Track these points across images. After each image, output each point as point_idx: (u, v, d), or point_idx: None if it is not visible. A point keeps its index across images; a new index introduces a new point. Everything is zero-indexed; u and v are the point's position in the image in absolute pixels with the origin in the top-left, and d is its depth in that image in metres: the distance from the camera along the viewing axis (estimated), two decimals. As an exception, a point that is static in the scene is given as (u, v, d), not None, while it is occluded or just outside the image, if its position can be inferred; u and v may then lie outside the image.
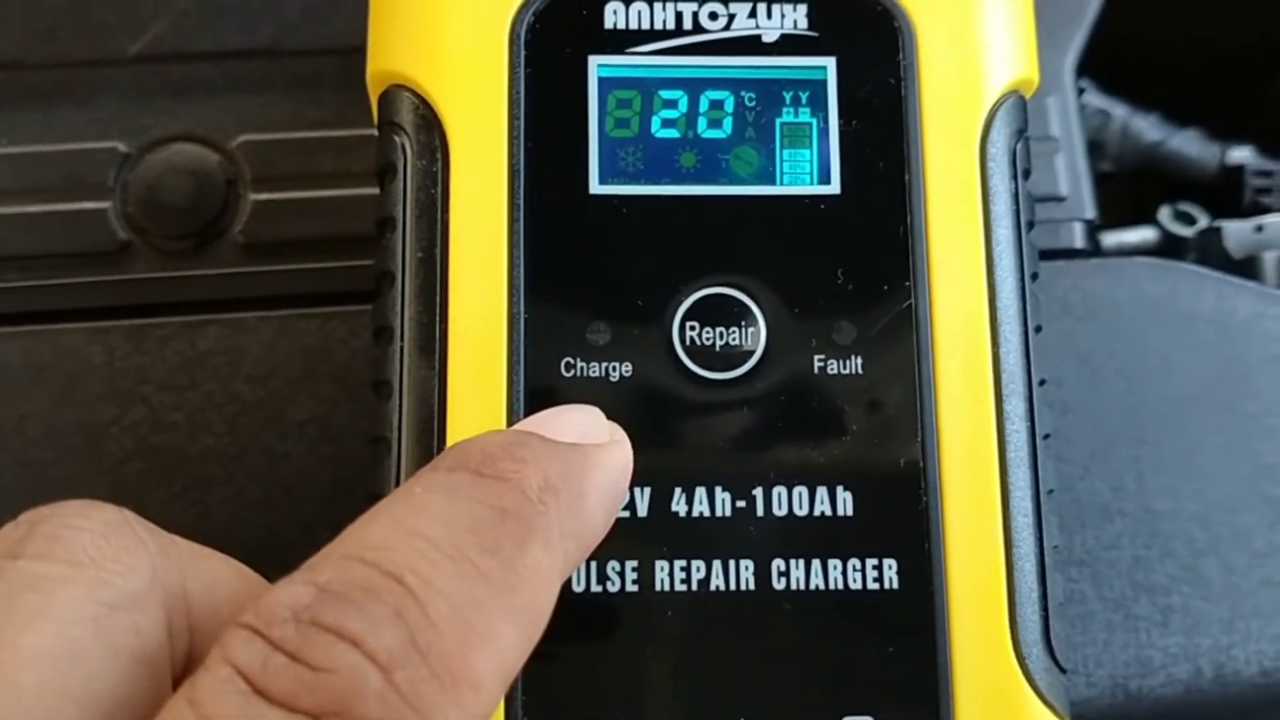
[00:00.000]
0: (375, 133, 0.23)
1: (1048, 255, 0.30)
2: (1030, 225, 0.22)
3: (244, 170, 0.29)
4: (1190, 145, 0.42)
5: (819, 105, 0.21)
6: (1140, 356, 0.29)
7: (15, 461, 0.27)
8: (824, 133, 0.21)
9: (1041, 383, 0.21)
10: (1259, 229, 0.36)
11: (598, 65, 0.21)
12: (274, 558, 0.26)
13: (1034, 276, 0.22)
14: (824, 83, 0.21)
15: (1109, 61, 0.40)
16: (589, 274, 0.21)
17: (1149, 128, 0.42)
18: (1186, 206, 0.38)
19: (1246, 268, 0.34)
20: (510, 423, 0.20)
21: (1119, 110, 0.42)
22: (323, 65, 0.30)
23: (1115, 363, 0.29)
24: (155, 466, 0.27)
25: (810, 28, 0.22)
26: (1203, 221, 0.37)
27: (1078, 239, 0.30)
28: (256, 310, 0.28)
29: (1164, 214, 0.38)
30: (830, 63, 0.22)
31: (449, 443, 0.20)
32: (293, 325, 0.28)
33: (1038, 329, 0.22)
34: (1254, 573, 0.28)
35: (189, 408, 0.27)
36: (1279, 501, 0.28)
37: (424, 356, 0.20)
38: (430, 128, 0.21)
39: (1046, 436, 0.21)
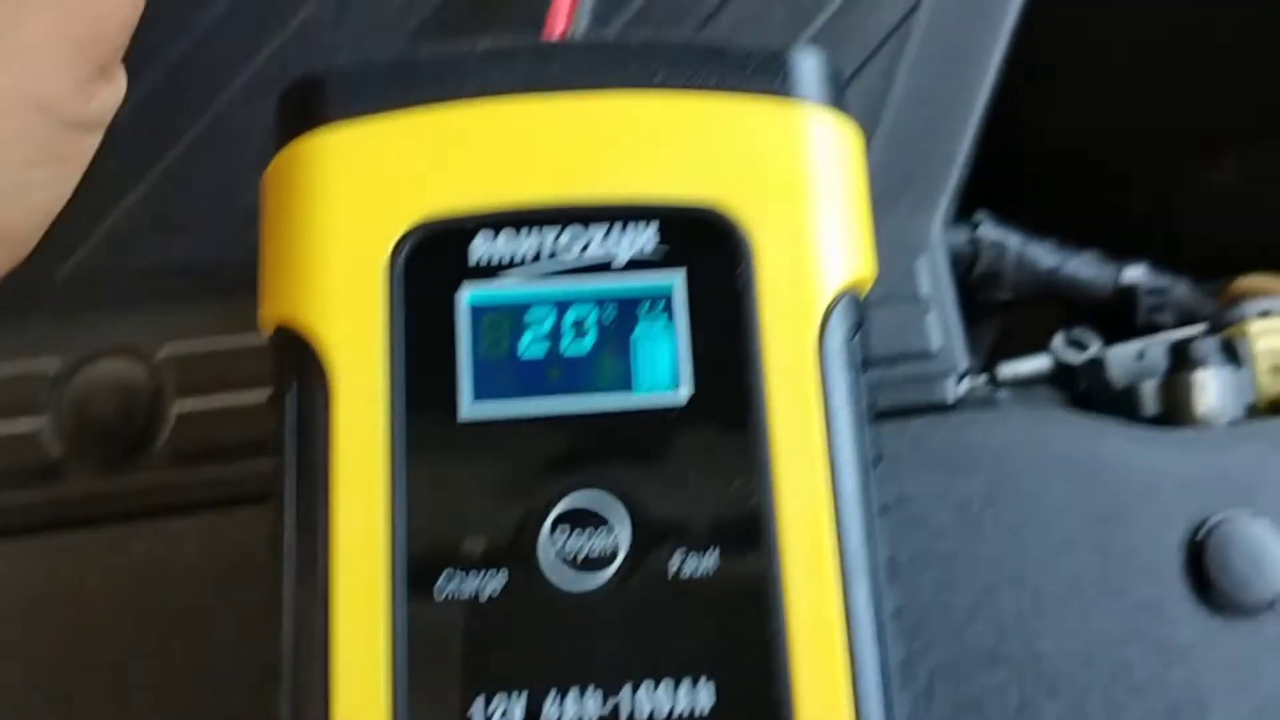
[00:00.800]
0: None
1: (922, 410, 0.32)
2: (870, 413, 0.24)
3: (168, 382, 0.31)
4: (1085, 269, 0.45)
5: (670, 317, 0.23)
6: (1017, 502, 0.31)
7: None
8: (674, 342, 0.23)
9: (890, 559, 0.23)
10: (1140, 355, 0.38)
11: (466, 295, 0.24)
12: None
13: (876, 461, 0.24)
14: (671, 297, 0.23)
15: (1002, 193, 0.42)
16: (461, 496, 0.22)
17: (1044, 255, 0.45)
18: (1079, 333, 0.40)
19: (1128, 396, 0.36)
20: (394, 642, 0.21)
21: (1013, 240, 0.44)
22: (238, 274, 0.32)
23: (994, 510, 0.31)
24: (85, 677, 0.28)
25: (659, 246, 0.24)
26: (1094, 347, 0.39)
27: (949, 394, 0.32)
28: (184, 516, 0.30)
29: (1057, 342, 0.40)
30: (678, 278, 0.24)
31: (335, 671, 0.21)
32: (219, 528, 0.30)
33: (883, 509, 0.23)
34: (1135, 707, 0.30)
35: (119, 616, 0.29)
36: (1156, 636, 0.30)
37: (307, 581, 0.22)
38: (313, 364, 0.23)
39: (896, 612, 0.23)
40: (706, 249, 0.24)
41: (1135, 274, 0.45)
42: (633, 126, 0.24)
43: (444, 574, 0.22)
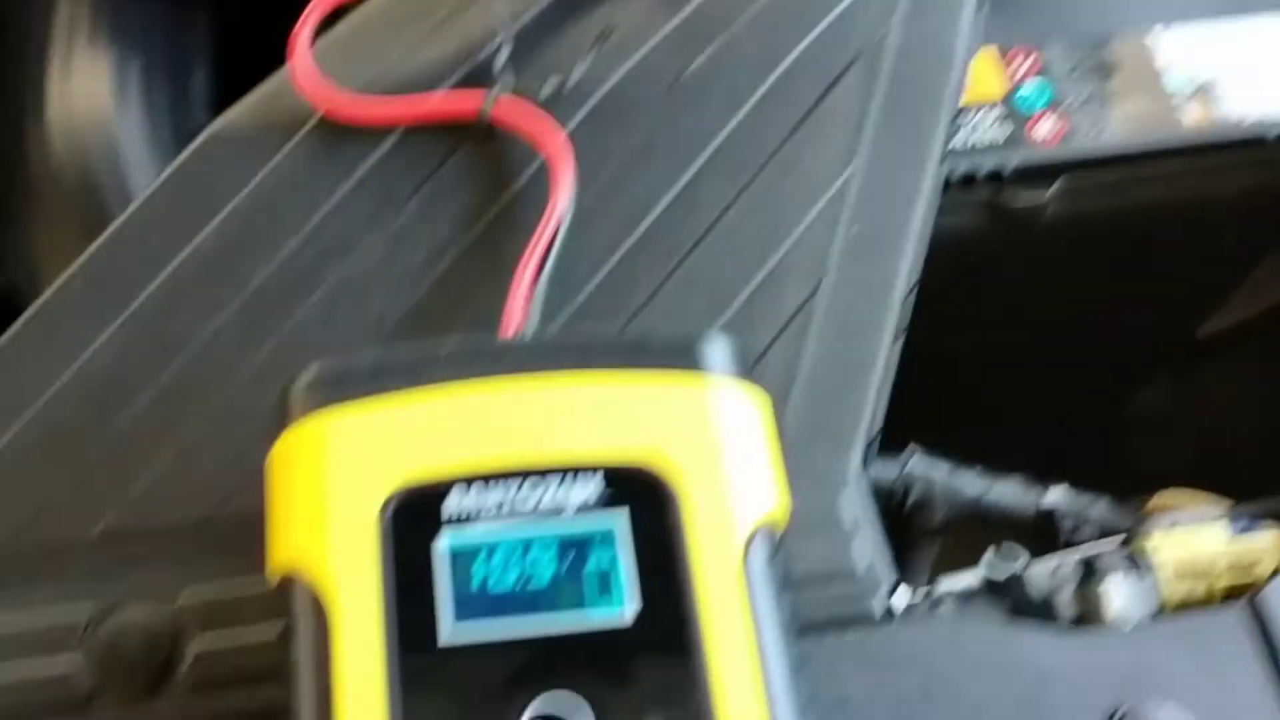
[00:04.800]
0: None
1: (853, 623, 0.36)
2: (793, 623, 0.28)
3: (188, 622, 0.35)
4: (1008, 495, 0.49)
5: (615, 552, 0.28)
6: (949, 697, 0.34)
7: None
8: (619, 573, 0.28)
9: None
10: (1054, 571, 0.42)
11: (445, 540, 0.28)
12: None
13: (804, 660, 0.28)
14: (614, 535, 0.28)
15: (934, 421, 0.47)
16: (447, 707, 0.26)
17: (969, 484, 0.49)
18: (1008, 548, 0.44)
19: (1047, 606, 0.40)
20: None
21: (940, 472, 0.49)
22: (251, 526, 0.36)
23: (929, 704, 0.34)
24: None
25: (603, 492, 0.29)
26: (1020, 562, 0.43)
27: (875, 610, 0.36)
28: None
29: (988, 558, 0.44)
30: (621, 518, 0.28)
31: None
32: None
33: (812, 698, 0.27)
34: None
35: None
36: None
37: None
38: (317, 605, 0.27)
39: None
40: (642, 495, 0.29)
41: (1055, 497, 0.49)
42: (576, 400, 0.29)
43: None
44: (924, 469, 0.48)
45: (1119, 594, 0.40)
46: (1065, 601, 0.41)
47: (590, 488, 0.29)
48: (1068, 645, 0.36)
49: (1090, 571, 0.41)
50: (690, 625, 0.27)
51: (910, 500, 0.47)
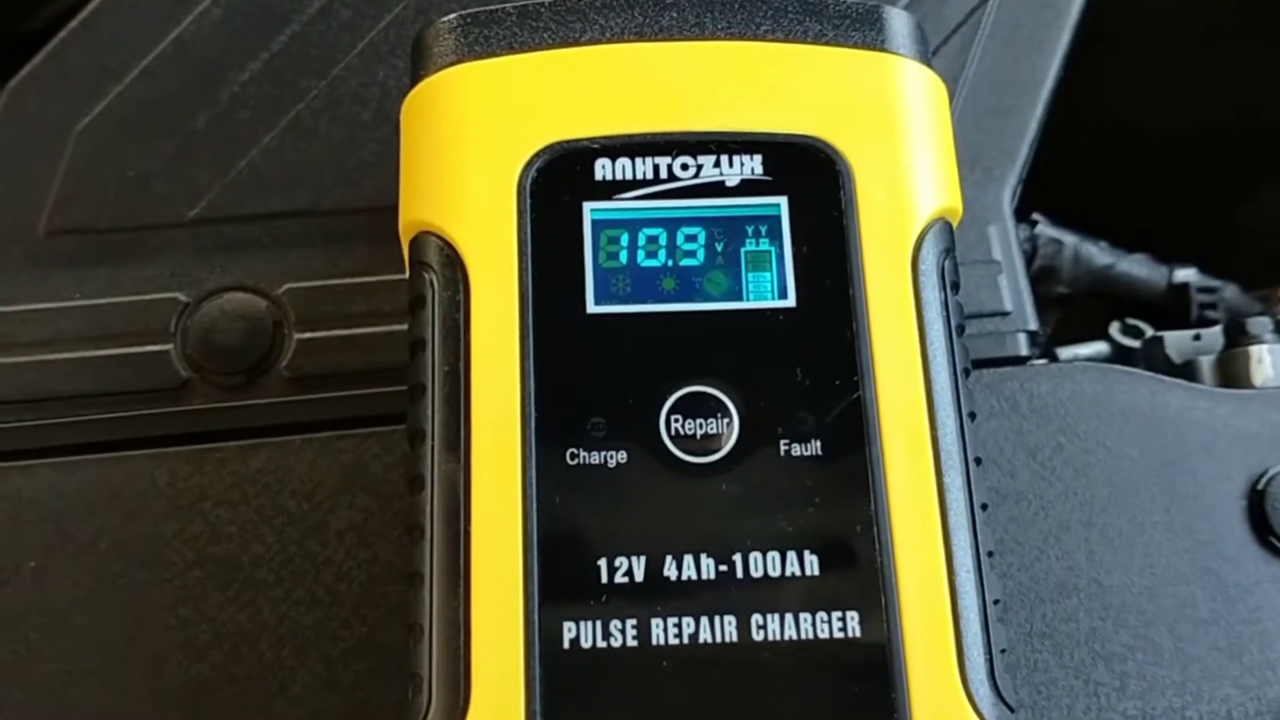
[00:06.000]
0: (401, 278, 0.27)
1: (997, 362, 0.34)
2: (960, 329, 0.26)
3: (289, 314, 0.33)
4: (1138, 268, 0.47)
5: (776, 235, 0.26)
6: (1085, 448, 0.32)
7: (89, 573, 0.30)
8: (780, 257, 0.25)
9: (978, 461, 0.25)
10: (1197, 337, 0.40)
11: (590, 209, 0.26)
12: (318, 650, 0.30)
13: (966, 372, 0.26)
14: (779, 217, 0.26)
15: (1060, 195, 0.44)
16: (588, 379, 0.24)
17: (1098, 253, 0.47)
18: (1135, 321, 0.42)
19: (1186, 371, 0.38)
20: (526, 506, 0.23)
21: (1070, 239, 0.46)
22: (355, 223, 0.34)
23: (1063, 455, 0.32)
24: (212, 573, 0.30)
25: (765, 173, 0.26)
26: (1149, 334, 0.41)
27: (1022, 348, 0.34)
28: (301, 434, 0.32)
29: (1114, 328, 0.42)
30: (783, 200, 0.26)
31: (474, 529, 0.23)
32: (333, 446, 0.32)
33: (971, 415, 0.25)
34: (1201, 639, 0.31)
35: (242, 521, 0.31)
36: (1218, 574, 0.31)
37: (451, 454, 0.24)
38: (453, 265, 0.25)
39: (984, 506, 0.25)
40: (810, 176, 0.26)
41: (1187, 274, 0.46)
42: (740, 69, 0.27)
43: (574, 446, 0.24)
44: (1052, 233, 0.46)
45: (1268, 360, 0.37)
46: (1206, 367, 0.38)
47: (752, 163, 0.26)
48: (1214, 404, 0.34)
49: (1237, 337, 0.38)
50: (853, 319, 0.25)
51: (1036, 264, 0.44)
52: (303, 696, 0.29)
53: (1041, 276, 0.45)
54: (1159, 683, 0.31)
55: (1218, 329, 0.40)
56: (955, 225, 0.27)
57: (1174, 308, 0.46)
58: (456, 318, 0.25)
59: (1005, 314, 0.34)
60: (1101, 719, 0.30)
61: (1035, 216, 0.45)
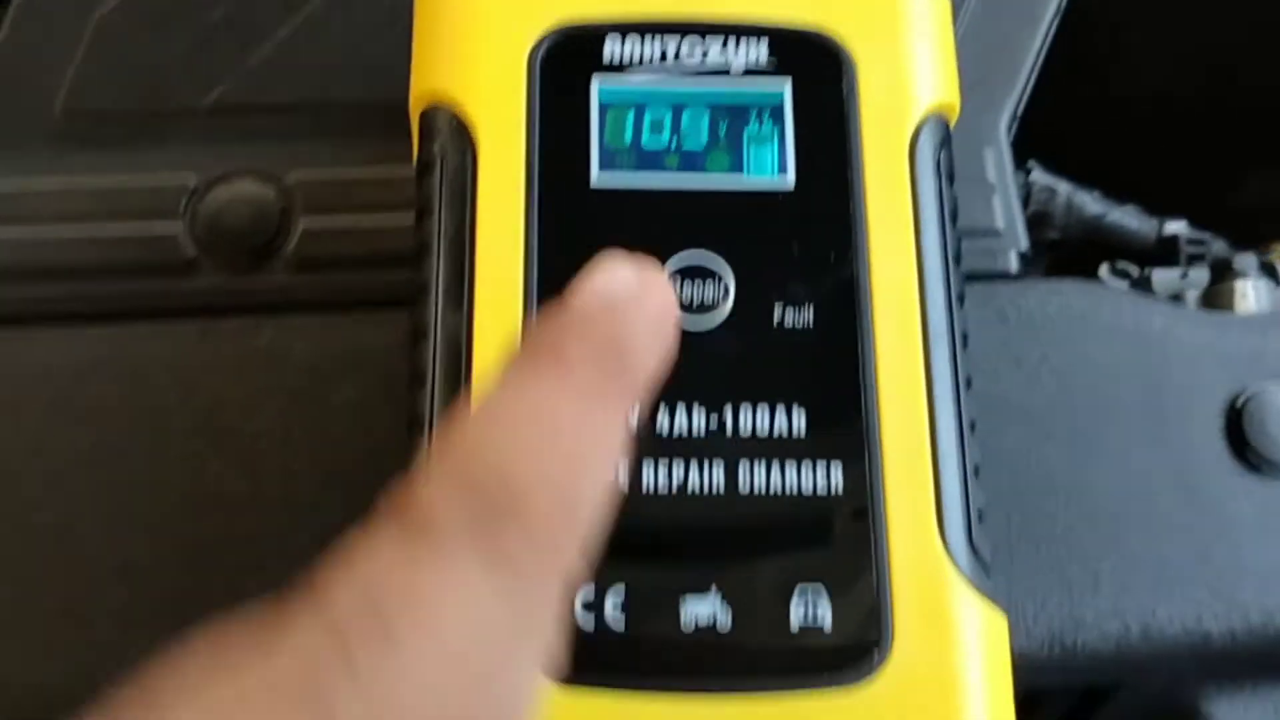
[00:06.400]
0: (407, 169, 0.28)
1: (987, 277, 0.34)
2: (954, 216, 0.27)
3: (296, 201, 0.34)
4: (1129, 219, 0.48)
5: (778, 119, 0.26)
6: (1069, 361, 0.33)
7: (93, 441, 0.31)
8: (782, 140, 0.26)
9: (965, 339, 0.26)
10: (1184, 275, 0.41)
11: (598, 86, 0.26)
12: (316, 517, 0.30)
13: (957, 257, 0.26)
14: (781, 103, 0.26)
15: (1054, 143, 0.45)
16: (590, 247, 0.25)
17: (1090, 202, 0.47)
18: (1124, 264, 0.43)
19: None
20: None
21: (1062, 187, 0.47)
22: (365, 116, 0.35)
23: (1048, 366, 0.33)
24: (213, 442, 0.31)
25: (771, 59, 0.27)
26: (1136, 274, 0.42)
27: (1012, 265, 0.35)
28: (304, 314, 0.32)
29: (1103, 269, 0.43)
30: (787, 86, 0.27)
31: (474, 378, 0.24)
32: (335, 326, 0.32)
33: (960, 298, 0.26)
34: (1174, 544, 0.32)
35: (243, 394, 0.32)
36: (1193, 485, 0.32)
37: (454, 308, 0.25)
38: (463, 134, 0.26)
39: (969, 382, 0.26)
40: (812, 63, 0.27)
41: (1177, 226, 0.47)
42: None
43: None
44: (1046, 180, 0.47)
45: (1251, 295, 0.38)
46: (1193, 301, 0.39)
47: (757, 50, 0.27)
48: (1196, 325, 0.35)
49: (1222, 272, 0.39)
50: (850, 200, 0.26)
51: (1029, 210, 0.45)
52: (301, 558, 0.30)
53: (1034, 223, 0.46)
54: (1131, 583, 0.32)
55: (1204, 269, 0.41)
56: (952, 124, 0.28)
57: (1163, 259, 0.47)
58: (464, 184, 0.25)
59: (997, 233, 0.35)
60: (1074, 614, 0.31)
61: (1030, 164, 0.45)
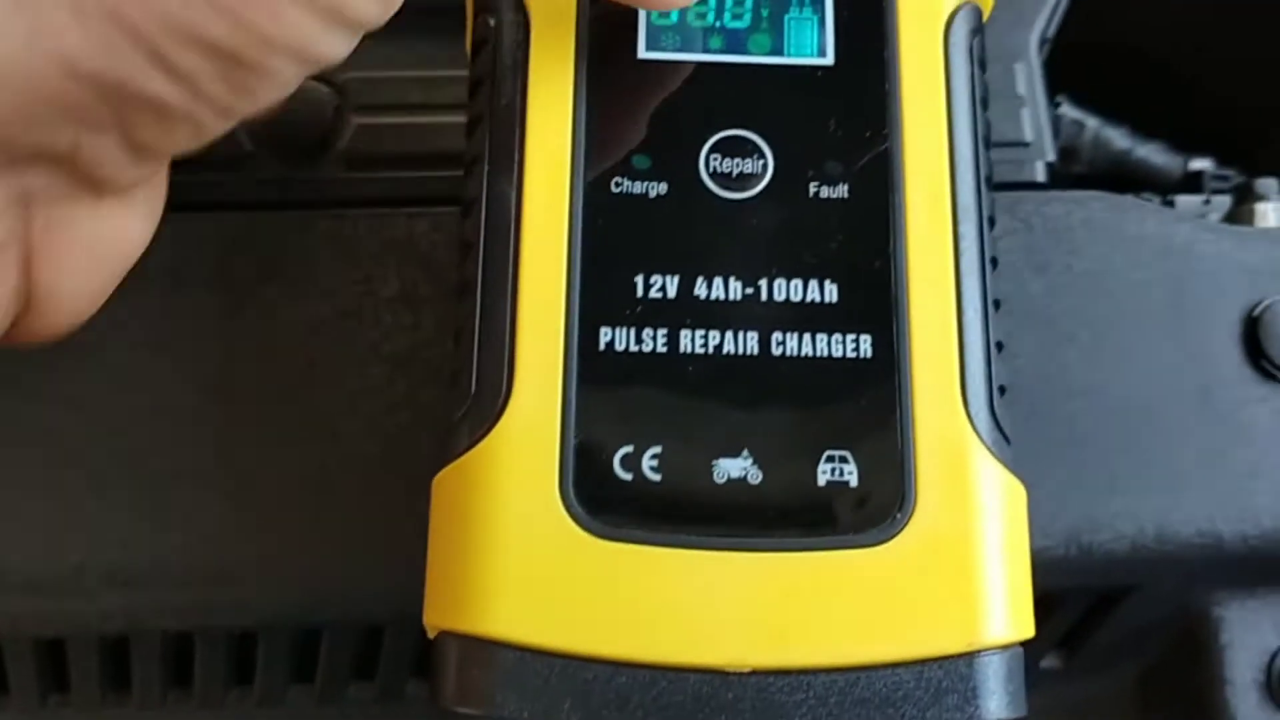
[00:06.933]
0: (458, 71, 0.29)
1: (1015, 186, 0.35)
2: (985, 101, 0.28)
3: (349, 99, 0.35)
4: (1156, 155, 0.48)
5: (818, 4, 0.27)
6: (1093, 267, 0.34)
7: (142, 316, 0.32)
8: (822, 21, 0.27)
9: (992, 221, 0.27)
10: (1207, 201, 0.42)
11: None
12: (365, 402, 0.32)
13: (987, 140, 0.27)
14: (818, -17, 0.27)
15: (1083, 78, 0.46)
16: (635, 118, 0.26)
17: (1118, 137, 0.48)
18: (1149, 196, 0.44)
19: (1195, 227, 0.40)
20: (572, 226, 0.25)
21: (1091, 121, 0.48)
22: (418, 19, 0.36)
23: (1071, 273, 0.34)
24: (268, 327, 0.32)
25: (813, -56, 0.28)
26: (1159, 201, 0.43)
27: (1039, 174, 0.36)
28: (355, 209, 0.34)
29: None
30: (826, -31, 0.28)
31: (523, 244, 0.25)
32: (385, 220, 0.33)
33: (989, 180, 0.27)
34: (1190, 449, 0.33)
35: (305, 286, 0.33)
36: (1211, 391, 0.33)
37: (504, 176, 0.26)
38: (517, 9, 0.27)
39: (995, 262, 0.27)
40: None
41: (1203, 163, 0.48)
42: None
43: (619, 176, 0.26)
44: (1075, 115, 0.47)
45: (1272, 216, 0.39)
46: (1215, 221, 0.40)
47: (799, -63, 0.28)
48: (1218, 237, 0.35)
49: (1244, 194, 0.40)
50: (886, 80, 0.27)
51: (1057, 143, 0.46)
52: (347, 441, 0.31)
53: (1061, 156, 0.46)
54: (1148, 484, 0.33)
55: (1226, 197, 0.42)
56: (986, 15, 0.29)
57: (1186, 192, 0.48)
58: (517, 56, 0.27)
59: (1025, 144, 0.36)
60: (1091, 514, 0.32)
61: (1059, 99, 0.46)
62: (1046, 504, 0.32)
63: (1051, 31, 0.39)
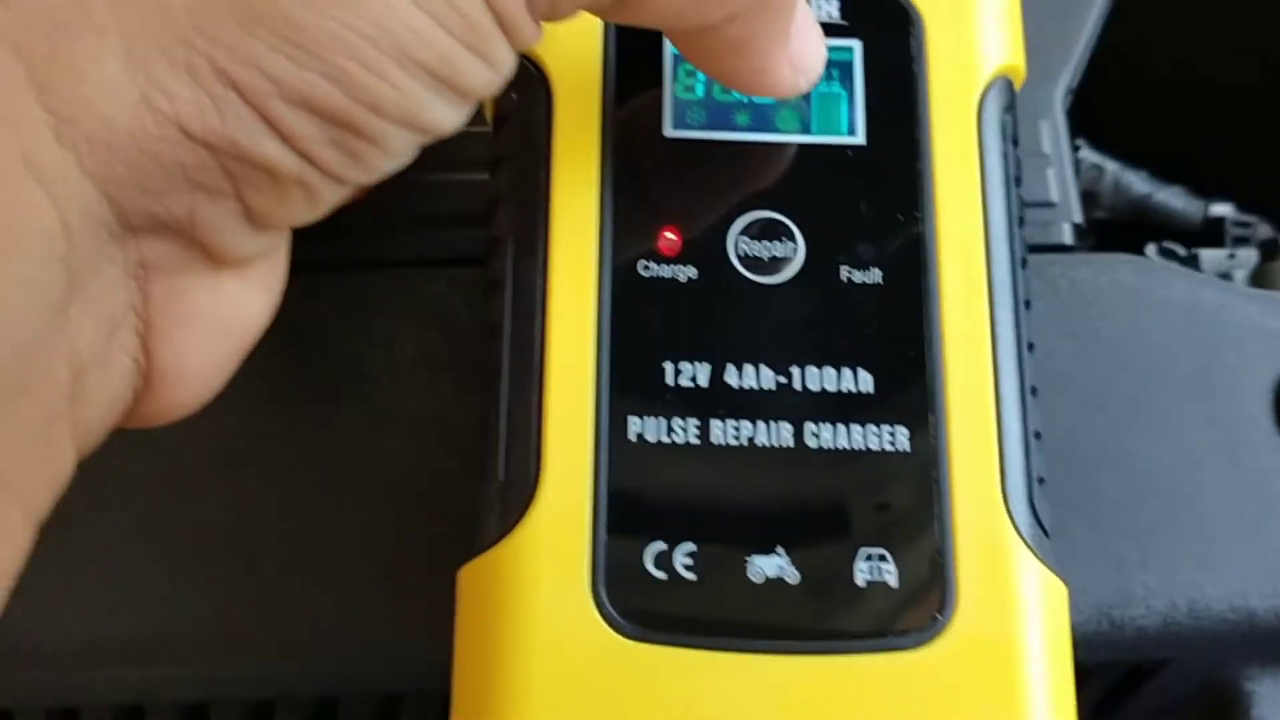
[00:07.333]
0: (478, 130, 0.28)
1: (1041, 249, 0.35)
2: (1018, 179, 0.27)
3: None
4: (1175, 199, 0.48)
5: (848, 77, 0.27)
6: (1121, 334, 0.34)
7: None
8: (851, 97, 0.27)
9: (1028, 304, 0.26)
10: (1231, 255, 0.41)
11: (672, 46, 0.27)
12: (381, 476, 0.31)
13: (1020, 219, 0.27)
14: (851, 61, 0.27)
15: (1102, 122, 0.45)
16: (663, 198, 0.26)
17: (1138, 182, 0.48)
18: (1170, 244, 0.43)
19: (1221, 284, 0.39)
20: (600, 311, 0.25)
21: (1111, 165, 0.48)
22: None
23: (1099, 339, 0.34)
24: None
25: (841, 17, 0.27)
26: (1183, 254, 0.42)
27: (1066, 237, 0.35)
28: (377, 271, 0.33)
29: (1150, 250, 0.43)
30: (857, 44, 0.27)
31: (550, 330, 0.25)
32: (403, 281, 0.33)
33: (1024, 261, 0.26)
34: (1222, 521, 0.32)
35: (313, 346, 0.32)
36: (1241, 459, 0.33)
37: (528, 258, 0.25)
38: (540, 84, 0.26)
39: (1031, 346, 0.26)
40: (883, 23, 0.27)
41: (1224, 208, 0.48)
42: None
43: (646, 259, 0.25)
44: (1094, 159, 0.47)
45: (1301, 275, 0.39)
46: (1241, 281, 0.39)
47: (830, 8, 0.27)
48: (1248, 302, 0.35)
49: (1270, 251, 0.39)
50: (918, 160, 0.26)
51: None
52: (365, 509, 0.31)
53: (1082, 201, 0.46)
54: (1179, 558, 0.32)
55: (1252, 250, 0.41)
56: (1018, 86, 0.28)
57: (1209, 240, 0.47)
58: (540, 133, 0.26)
59: (1051, 205, 0.36)
60: (1123, 589, 0.32)
61: (1078, 142, 0.46)
62: (1076, 578, 0.31)
63: (1075, 84, 0.39)
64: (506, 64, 0.22)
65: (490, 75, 0.21)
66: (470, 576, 0.24)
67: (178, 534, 0.31)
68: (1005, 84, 0.27)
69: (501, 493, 0.24)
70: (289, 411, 0.31)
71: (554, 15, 0.22)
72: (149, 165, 0.19)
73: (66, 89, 0.18)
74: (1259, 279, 0.39)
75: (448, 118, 0.22)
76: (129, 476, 0.31)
